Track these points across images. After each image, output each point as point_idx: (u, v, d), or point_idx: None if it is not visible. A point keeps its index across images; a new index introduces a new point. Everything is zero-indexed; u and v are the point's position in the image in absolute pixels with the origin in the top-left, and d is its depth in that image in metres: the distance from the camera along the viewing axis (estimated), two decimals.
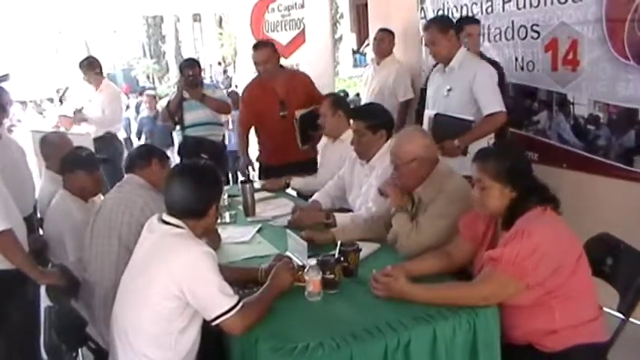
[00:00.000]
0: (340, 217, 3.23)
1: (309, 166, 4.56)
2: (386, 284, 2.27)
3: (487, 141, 3.63)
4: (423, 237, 2.66)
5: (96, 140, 6.55)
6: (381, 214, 3.07)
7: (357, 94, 4.61)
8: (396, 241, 2.76)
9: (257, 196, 3.81)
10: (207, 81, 15.84)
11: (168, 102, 5.52)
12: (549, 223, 2.21)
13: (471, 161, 2.38)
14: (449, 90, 3.78)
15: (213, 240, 2.95)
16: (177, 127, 5.69)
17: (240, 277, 2.52)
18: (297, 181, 4.22)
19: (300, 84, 4.65)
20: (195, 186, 2.24)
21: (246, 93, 4.80)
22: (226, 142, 6.60)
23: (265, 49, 4.53)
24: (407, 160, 2.78)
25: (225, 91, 7.07)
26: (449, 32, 3.75)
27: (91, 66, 6.42)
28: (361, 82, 6.09)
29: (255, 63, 4.52)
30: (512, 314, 2.23)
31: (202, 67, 5.85)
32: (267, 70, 4.50)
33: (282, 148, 4.60)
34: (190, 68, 5.29)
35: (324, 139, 4.30)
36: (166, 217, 2.25)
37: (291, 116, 4.55)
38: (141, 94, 12.71)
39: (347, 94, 10.06)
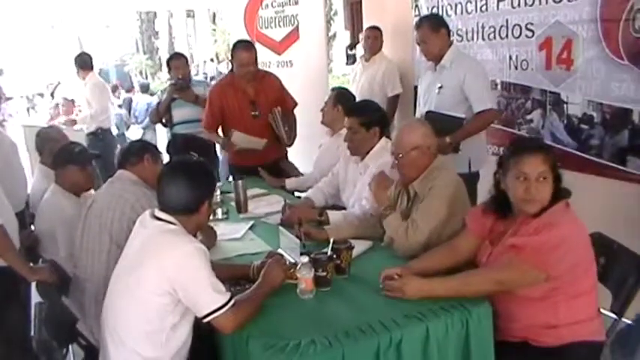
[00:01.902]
0: (333, 215, 3.22)
1: (281, 168, 4.56)
2: (400, 287, 2.24)
3: (479, 137, 3.65)
4: (421, 235, 2.65)
5: (88, 136, 6.55)
6: (374, 212, 3.07)
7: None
8: (392, 244, 2.75)
9: (250, 192, 3.82)
10: (198, 77, 15.72)
11: (158, 103, 5.47)
12: (572, 219, 2.21)
13: (519, 154, 2.28)
14: (440, 88, 3.80)
15: (209, 237, 2.95)
16: (161, 125, 5.68)
17: (232, 274, 2.52)
18: (291, 182, 4.22)
19: (271, 87, 4.58)
20: (188, 182, 2.24)
21: (215, 89, 4.68)
22: None
23: (253, 51, 4.47)
24: (408, 150, 2.79)
25: None
26: (440, 30, 3.77)
27: (84, 62, 6.43)
28: (350, 79, 6.09)
29: (241, 65, 4.41)
30: (514, 306, 2.24)
31: (196, 63, 5.80)
32: (249, 72, 4.43)
33: (254, 149, 4.53)
34: (178, 69, 5.25)
35: (323, 135, 4.32)
36: (159, 213, 2.24)
37: (263, 117, 4.49)
38: (129, 90, 12.59)
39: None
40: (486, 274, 2.25)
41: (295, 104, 4.67)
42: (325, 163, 4.01)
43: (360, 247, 2.75)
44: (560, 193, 2.23)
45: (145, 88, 11.64)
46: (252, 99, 4.50)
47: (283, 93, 4.65)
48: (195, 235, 2.28)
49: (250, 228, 3.31)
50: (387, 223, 2.81)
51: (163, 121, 5.42)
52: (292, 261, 2.56)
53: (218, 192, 3.72)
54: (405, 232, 2.67)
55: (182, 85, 5.20)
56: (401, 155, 2.81)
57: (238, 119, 4.50)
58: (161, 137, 8.47)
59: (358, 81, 5.62)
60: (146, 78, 24.54)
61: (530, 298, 2.21)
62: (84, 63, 6.60)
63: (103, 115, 6.66)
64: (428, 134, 2.82)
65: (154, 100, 9.10)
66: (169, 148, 5.10)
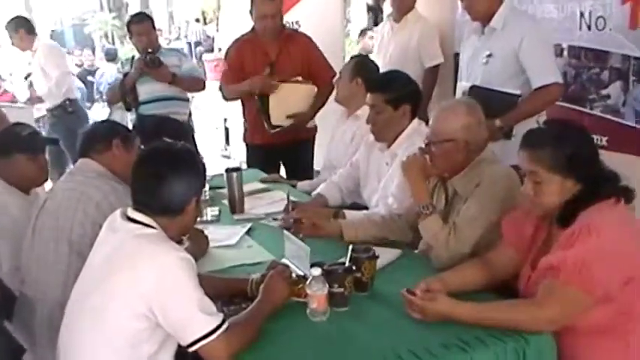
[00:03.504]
0: (352, 216, 3.25)
1: (300, 150, 4.72)
2: (422, 306, 2.26)
3: (536, 120, 3.63)
4: (465, 245, 2.68)
5: (54, 111, 6.59)
6: (403, 212, 3.10)
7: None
8: (429, 252, 2.78)
9: (247, 188, 3.84)
10: (177, 44, 15.66)
11: (122, 81, 5.48)
12: (621, 219, 2.22)
13: (518, 147, 2.38)
14: (488, 56, 3.77)
15: (198, 243, 2.99)
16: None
17: (224, 291, 2.54)
18: (303, 185, 4.26)
19: (298, 49, 4.72)
20: (171, 175, 2.24)
21: (231, 53, 4.88)
22: (193, 122, 6.63)
23: (277, 0, 4.61)
24: (441, 139, 2.81)
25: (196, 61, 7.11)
26: None
27: (18, 26, 6.45)
28: (374, 45, 6.07)
29: (261, 17, 4.58)
30: (569, 340, 2.24)
31: (177, 24, 5.81)
32: (274, 27, 4.60)
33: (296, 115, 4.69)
34: (141, 36, 5.28)
35: (336, 116, 4.35)
36: (132, 214, 2.25)
37: (283, 73, 4.64)
38: (90, 59, 12.62)
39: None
40: (533, 311, 2.22)
41: (332, 76, 4.69)
42: (339, 154, 4.06)
43: (386, 255, 2.77)
44: (593, 195, 2.25)
45: (112, 56, 11.69)
46: (271, 61, 4.64)
47: (315, 59, 4.77)
48: (179, 242, 2.31)
49: (247, 232, 3.34)
50: (424, 225, 2.83)
51: (127, 99, 5.45)
52: (300, 273, 2.57)
53: (207, 187, 3.76)
54: (446, 240, 2.70)
55: (154, 61, 5.23)
56: (432, 143, 2.85)
57: (251, 76, 4.66)
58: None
59: (386, 48, 5.56)
60: (112, 42, 24.58)
61: (585, 329, 2.21)
62: (29, 28, 6.63)
63: (66, 84, 6.71)
64: (473, 127, 2.82)
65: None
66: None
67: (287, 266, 2.62)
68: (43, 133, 6.14)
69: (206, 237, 3.11)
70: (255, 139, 4.94)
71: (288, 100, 4.65)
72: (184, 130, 5.06)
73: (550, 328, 2.19)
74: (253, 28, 4.76)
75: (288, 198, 3.50)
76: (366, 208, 3.49)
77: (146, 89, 5.34)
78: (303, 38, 4.86)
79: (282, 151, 4.81)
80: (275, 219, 3.48)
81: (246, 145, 5.09)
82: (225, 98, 5.07)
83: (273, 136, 4.70)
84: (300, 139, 4.84)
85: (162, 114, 5.16)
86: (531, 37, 3.64)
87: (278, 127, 4.68)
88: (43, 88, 6.57)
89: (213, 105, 9.13)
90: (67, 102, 6.60)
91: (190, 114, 6.08)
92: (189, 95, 6.06)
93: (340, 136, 4.17)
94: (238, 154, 7.22)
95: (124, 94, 5.41)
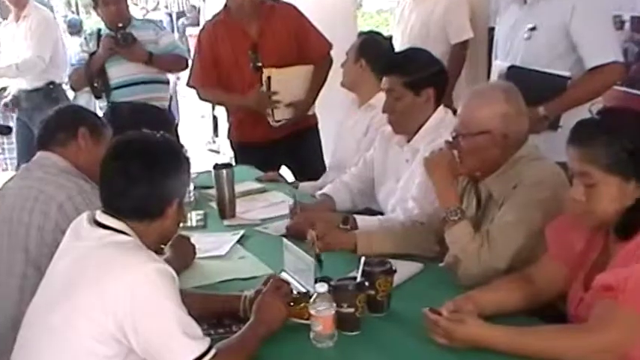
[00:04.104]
0: (365, 222, 3.27)
1: (305, 143, 4.74)
2: (449, 329, 2.26)
3: (589, 109, 3.62)
4: (500, 259, 2.67)
5: (31, 93, 6.61)
6: (426, 219, 3.12)
7: (389, 38, 4.47)
8: (456, 266, 2.76)
9: (239, 188, 3.87)
10: (155, 15, 15.59)
11: (88, 63, 5.44)
12: None
13: (566, 142, 2.35)
14: (532, 29, 3.78)
15: (182, 254, 3.02)
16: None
17: (212, 310, 2.56)
18: (305, 187, 4.28)
19: (283, 23, 4.71)
20: (148, 171, 2.24)
21: (204, 33, 4.88)
22: (174, 108, 6.66)
23: None
24: (473, 131, 2.80)
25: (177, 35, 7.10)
26: None
27: None
28: (393, 19, 6.07)
29: None
30: None
31: None
32: (248, 1, 4.57)
33: (260, 118, 4.70)
34: (108, 5, 5.22)
35: (344, 105, 4.39)
36: (102, 218, 2.26)
37: (268, 67, 4.62)
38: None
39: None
40: (582, 338, 2.19)
41: (327, 48, 4.75)
42: (349, 150, 4.09)
43: (405, 270, 2.79)
44: None
45: (76, 29, 11.67)
46: (253, 42, 4.62)
47: (304, 32, 4.76)
48: (158, 252, 2.33)
49: (239, 241, 3.36)
50: (451, 235, 2.81)
51: (95, 83, 5.42)
52: (303, 290, 2.59)
53: (191, 187, 3.79)
54: (478, 252, 2.68)
55: (126, 38, 5.21)
56: (462, 136, 2.84)
57: (234, 73, 4.68)
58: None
59: (406, 22, 5.59)
60: (77, 13, 24.58)
61: None
62: None
63: (55, 69, 6.76)
64: (512, 116, 2.81)
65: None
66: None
67: (286, 281, 2.62)
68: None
69: (192, 246, 3.13)
70: (244, 136, 4.96)
71: (290, 86, 4.66)
72: (165, 119, 5.06)
73: (602, 357, 2.16)
74: (226, 6, 4.74)
75: (294, 198, 3.51)
76: (382, 213, 3.50)
77: (117, 72, 5.32)
78: (286, 9, 4.82)
79: (282, 148, 4.80)
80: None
81: (233, 144, 5.12)
82: (202, 99, 5.12)
83: (269, 131, 4.71)
84: (301, 129, 4.85)
85: (138, 100, 5.14)
86: (585, 5, 3.62)
87: (282, 119, 4.71)
88: (23, 62, 6.62)
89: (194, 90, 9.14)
90: (52, 86, 6.62)
91: (171, 99, 6.09)
92: (173, 77, 6.05)
93: (350, 129, 4.20)
94: (229, 148, 7.21)
95: (91, 77, 5.37)
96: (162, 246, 2.68)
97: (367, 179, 3.74)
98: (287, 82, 4.62)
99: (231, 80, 4.71)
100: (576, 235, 2.44)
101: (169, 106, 5.83)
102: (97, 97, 5.57)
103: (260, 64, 4.59)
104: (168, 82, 5.84)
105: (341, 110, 4.57)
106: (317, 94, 4.81)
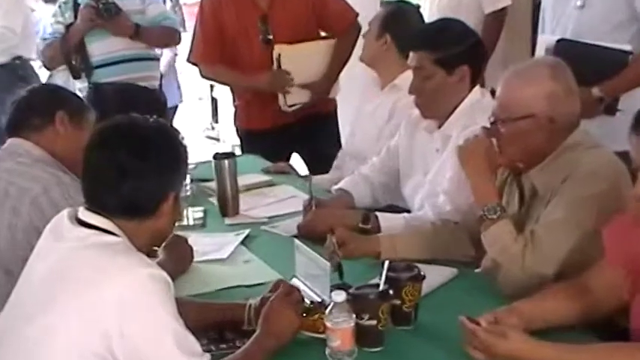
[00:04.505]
0: (387, 220, 3.27)
1: (320, 130, 4.73)
2: (489, 343, 2.23)
3: None
4: (546, 262, 2.62)
5: None
6: (460, 218, 3.11)
7: (417, 8, 4.45)
8: (496, 272, 2.74)
9: (242, 181, 3.87)
10: None
11: (64, 37, 5.37)
12: None
13: (628, 129, 2.32)
14: None
15: (178, 257, 3.02)
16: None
17: (212, 322, 2.55)
18: (319, 180, 4.22)
19: None
20: (139, 162, 2.22)
21: (205, 11, 4.87)
22: (175, 89, 6.73)
23: None
24: (514, 115, 2.77)
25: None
26: None
27: None
28: None
29: None
30: None
31: None
32: None
33: (270, 100, 4.72)
34: None
35: (363, 85, 4.36)
36: (85, 215, 2.23)
37: (280, 42, 4.64)
38: None
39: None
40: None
41: (352, 18, 4.75)
42: (369, 137, 4.08)
43: (435, 276, 2.78)
44: None
45: None
46: (263, 13, 4.63)
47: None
48: (150, 254, 2.32)
49: (244, 242, 3.36)
50: (490, 235, 2.78)
51: (73, 60, 5.37)
52: (317, 299, 2.58)
53: (188, 180, 3.74)
54: (522, 256, 2.64)
55: (109, 9, 5.13)
56: (501, 121, 2.81)
57: (242, 47, 4.70)
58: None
59: None
60: None
61: None
62: None
63: (18, 40, 6.76)
64: (557, 96, 2.77)
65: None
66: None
67: (298, 288, 2.61)
68: None
69: (189, 248, 3.13)
70: (253, 122, 4.97)
71: (305, 65, 4.66)
72: (156, 101, 5.05)
73: None
74: None
75: (310, 192, 3.50)
76: (408, 211, 3.49)
77: (99, 48, 5.25)
78: None
79: (295, 134, 4.78)
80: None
81: (240, 131, 5.13)
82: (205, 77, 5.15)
83: (280, 115, 4.73)
84: (318, 113, 4.85)
85: (124, 81, 5.17)
86: None
87: (296, 104, 4.72)
88: None
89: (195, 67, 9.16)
90: (17, 61, 6.61)
91: (162, 78, 6.04)
92: (171, 52, 6.03)
93: (371, 114, 4.18)
94: (230, 135, 7.20)
95: (69, 54, 5.31)
96: (156, 248, 2.67)
97: (391, 171, 3.73)
98: (301, 60, 4.63)
99: (238, 55, 4.72)
100: (636, 237, 2.40)
101: (160, 86, 5.77)
102: (76, 78, 5.46)
103: (271, 37, 4.61)
104: (158, 59, 5.84)
105: (359, 91, 4.55)
106: (338, 73, 4.82)
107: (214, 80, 5.14)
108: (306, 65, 4.64)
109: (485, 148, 2.87)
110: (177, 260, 2.99)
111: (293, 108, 4.70)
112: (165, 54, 7.34)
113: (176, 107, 7.94)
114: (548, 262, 2.62)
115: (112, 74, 5.24)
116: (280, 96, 4.65)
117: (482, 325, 2.27)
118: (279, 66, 4.57)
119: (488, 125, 2.88)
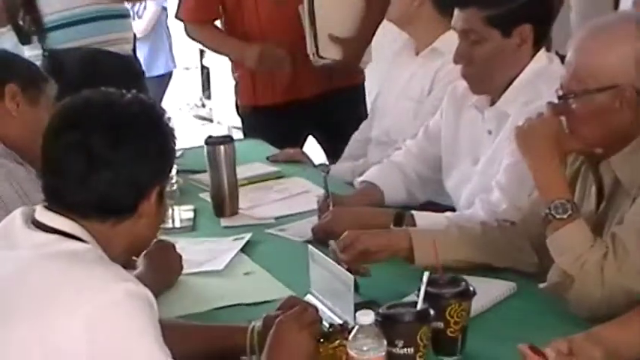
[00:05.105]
0: (427, 219, 3.26)
1: (345, 108, 4.74)
2: None
3: None
4: (631, 275, 2.59)
5: None
6: (520, 218, 3.08)
7: None
8: (567, 287, 2.69)
9: (242, 172, 3.88)
10: None
11: None
12: None
13: None
14: None
15: (163, 268, 3.02)
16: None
17: (205, 349, 2.55)
18: (339, 168, 4.26)
19: None
20: (114, 147, 2.19)
21: None
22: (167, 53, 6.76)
23: None
24: (592, 87, 2.72)
25: None
26: None
27: None
28: None
29: None
30: None
31: None
32: None
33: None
34: None
35: (391, 49, 4.38)
36: (44, 216, 2.21)
37: (294, 2, 4.69)
38: None
39: None
40: None
41: None
42: (401, 116, 4.08)
43: (487, 292, 2.76)
44: None
45: None
46: None
47: None
48: (128, 265, 2.33)
49: (244, 249, 3.35)
50: (559, 240, 2.74)
51: (20, 24, 5.33)
52: (338, 321, 2.55)
53: (175, 171, 3.70)
54: (600, 266, 2.61)
55: None
56: (574, 94, 2.75)
57: (248, 9, 4.76)
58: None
59: None
60: None
61: None
62: None
63: None
64: None
65: None
66: None
67: (313, 306, 2.59)
68: None
69: (177, 257, 3.12)
70: (259, 97, 5.00)
71: (342, 13, 4.72)
72: (130, 70, 5.04)
73: None
74: None
75: (326, 187, 3.48)
76: (453, 209, 3.49)
77: (53, 4, 5.21)
78: None
79: (312, 112, 4.80)
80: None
81: (242, 109, 5.19)
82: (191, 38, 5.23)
83: (295, 88, 4.79)
84: (341, 88, 4.88)
85: (88, 46, 5.13)
86: None
87: (327, 58, 4.76)
88: None
89: (180, 29, 9.21)
90: None
91: (135, 39, 6.05)
92: (157, 5, 6.02)
93: (403, 86, 4.18)
94: (226, 114, 7.20)
95: (14, 13, 5.27)
96: (134, 257, 2.70)
97: (430, 159, 3.72)
98: (336, 7, 4.70)
99: (240, 12, 4.78)
100: None
101: (134, 50, 5.77)
102: (24, 43, 5.41)
103: None
104: (128, 16, 5.79)
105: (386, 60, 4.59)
106: (373, 33, 4.86)
107: (201, 44, 5.19)
108: (341, 15, 4.72)
109: (553, 130, 2.82)
110: (162, 272, 2.99)
111: (323, 62, 4.73)
112: (150, 8, 7.40)
113: (165, 76, 8.01)
114: (634, 275, 2.58)
115: (71, 38, 5.21)
116: (311, 41, 4.68)
117: (550, 356, 2.21)
118: (312, 9, 4.61)
119: (555, 100, 2.82)
